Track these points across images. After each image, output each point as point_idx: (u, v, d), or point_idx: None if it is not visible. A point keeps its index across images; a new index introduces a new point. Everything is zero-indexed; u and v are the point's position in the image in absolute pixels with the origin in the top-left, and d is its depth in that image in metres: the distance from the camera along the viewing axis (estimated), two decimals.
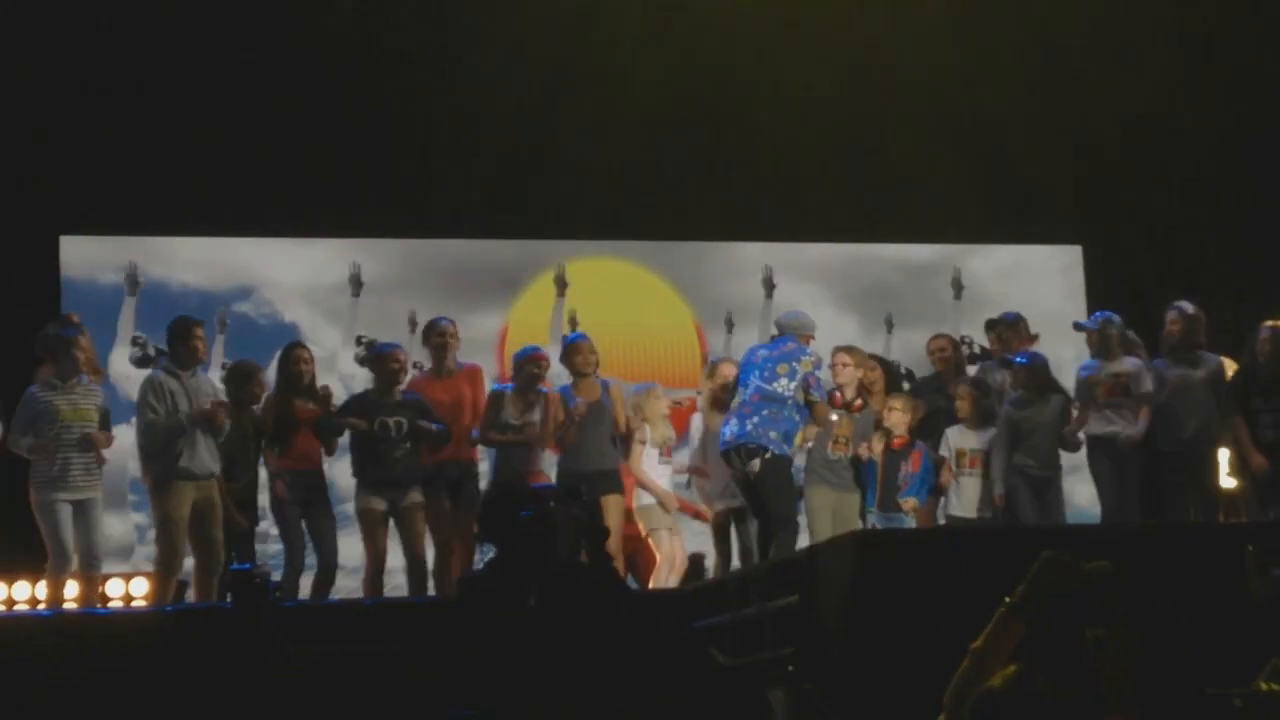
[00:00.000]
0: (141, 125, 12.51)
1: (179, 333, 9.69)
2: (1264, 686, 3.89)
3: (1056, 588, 4.06)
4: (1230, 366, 10.26)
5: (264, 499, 10.22)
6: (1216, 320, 10.52)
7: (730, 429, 9.39)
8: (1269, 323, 9.97)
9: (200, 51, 12.46)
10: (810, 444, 9.97)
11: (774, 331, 10.15)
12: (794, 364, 9.33)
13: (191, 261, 13.23)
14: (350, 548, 10.31)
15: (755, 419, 9.25)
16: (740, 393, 9.54)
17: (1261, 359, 9.84)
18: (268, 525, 10.38)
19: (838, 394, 10.09)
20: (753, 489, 9.41)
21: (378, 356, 10.28)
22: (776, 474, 9.27)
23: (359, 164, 12.88)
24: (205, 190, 12.63)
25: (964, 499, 10.22)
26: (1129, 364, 10.12)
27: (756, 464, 9.20)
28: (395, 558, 10.05)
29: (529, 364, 10.20)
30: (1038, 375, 10.20)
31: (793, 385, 9.29)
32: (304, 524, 9.93)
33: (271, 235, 13.40)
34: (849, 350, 10.59)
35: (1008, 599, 4.09)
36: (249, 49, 12.54)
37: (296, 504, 9.90)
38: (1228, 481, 10.11)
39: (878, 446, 10.14)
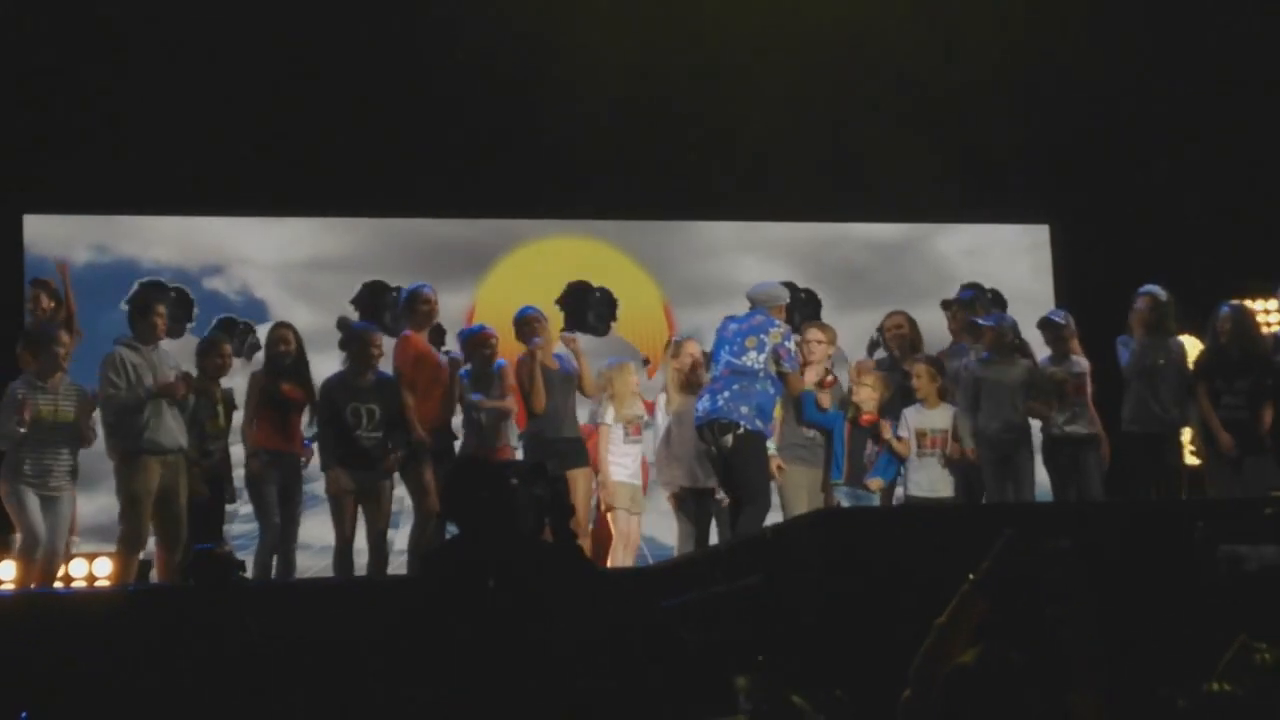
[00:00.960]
0: (108, 104, 12.41)
1: (139, 306, 9.68)
2: (1215, 687, 3.91)
3: (1019, 565, 4.07)
4: (1195, 348, 10.30)
5: (239, 476, 10.21)
6: (1184, 299, 10.54)
7: (703, 404, 9.36)
8: (1229, 303, 10.03)
9: (168, 29, 12.39)
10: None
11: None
12: (762, 336, 9.28)
13: (161, 239, 13.21)
14: (313, 529, 10.30)
15: (726, 394, 9.20)
16: (712, 368, 9.52)
17: (1223, 339, 9.91)
18: (240, 504, 10.35)
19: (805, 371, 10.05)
20: (725, 464, 9.38)
21: (356, 338, 10.17)
22: (749, 449, 9.20)
23: (328, 142, 12.80)
24: (173, 169, 12.55)
25: (924, 480, 10.19)
26: (1082, 364, 10.17)
27: (729, 439, 9.16)
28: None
29: (479, 345, 10.17)
30: (1004, 336, 10.21)
31: (762, 358, 9.24)
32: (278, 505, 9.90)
33: (240, 214, 13.35)
34: (820, 326, 10.58)
35: (971, 576, 4.10)
36: (218, 27, 12.46)
37: (273, 483, 9.86)
38: (1191, 460, 10.18)
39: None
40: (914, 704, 4.00)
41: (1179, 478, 10.11)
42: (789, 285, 11.62)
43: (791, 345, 9.46)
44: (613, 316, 13.44)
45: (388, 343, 10.34)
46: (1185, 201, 13.43)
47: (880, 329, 11.24)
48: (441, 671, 5.60)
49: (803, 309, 13.21)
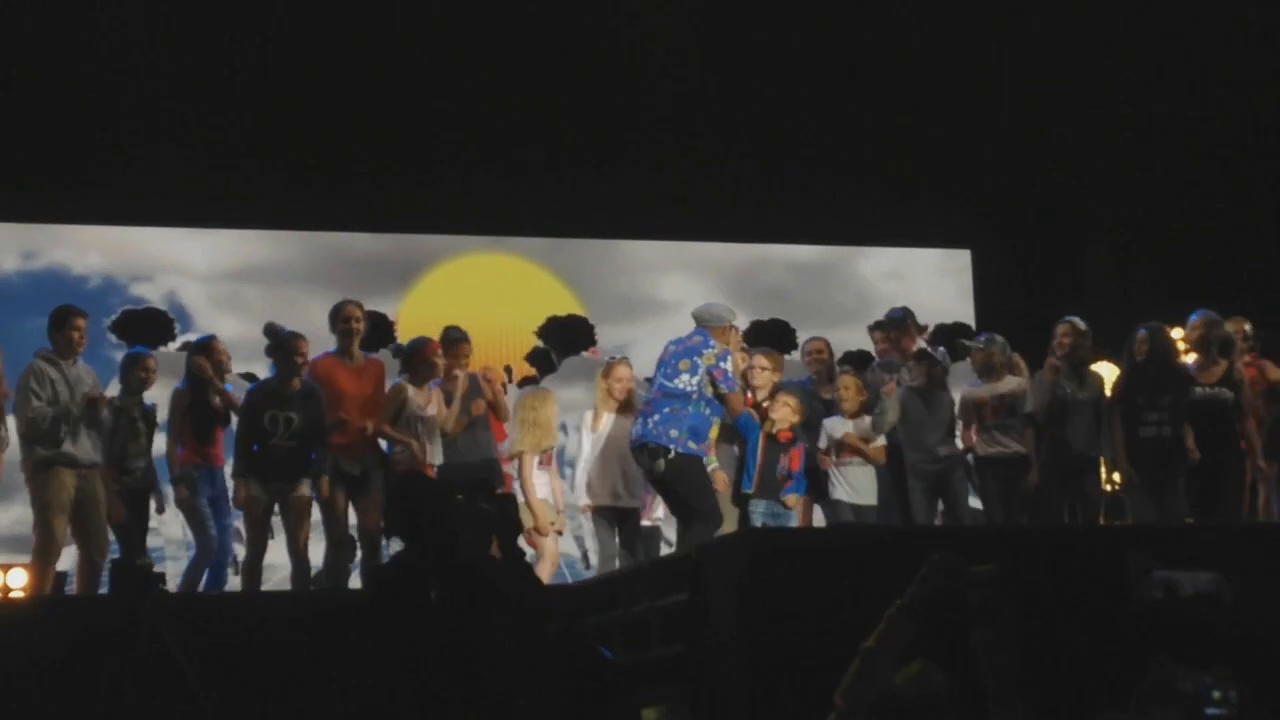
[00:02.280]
0: (44, 111, 12.35)
1: (57, 321, 9.56)
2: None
3: (945, 588, 4.09)
4: (1113, 377, 10.40)
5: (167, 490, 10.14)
6: (1102, 329, 10.64)
7: (635, 429, 9.25)
8: (1146, 323, 10.14)
9: (102, 39, 12.35)
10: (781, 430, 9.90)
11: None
12: (695, 359, 9.15)
13: (91, 248, 13.24)
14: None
15: (656, 417, 9.08)
16: (649, 388, 9.47)
17: (1140, 358, 10.00)
18: (167, 517, 10.26)
19: (748, 395, 10.04)
20: (664, 488, 9.36)
21: (281, 345, 10.05)
22: (683, 472, 9.06)
23: (255, 155, 12.77)
24: (102, 179, 12.54)
25: (847, 486, 10.29)
26: (1012, 384, 10.23)
27: (660, 464, 9.07)
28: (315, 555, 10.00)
29: (427, 354, 10.12)
30: (993, 357, 10.31)
31: (695, 380, 9.13)
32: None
33: (169, 225, 13.33)
34: (767, 354, 10.58)
35: (898, 600, 4.12)
36: (150, 38, 12.41)
37: (204, 497, 9.76)
38: (1106, 485, 10.29)
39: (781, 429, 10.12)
40: None
41: (1096, 504, 10.20)
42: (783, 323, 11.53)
43: (728, 365, 9.26)
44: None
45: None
46: (1107, 227, 13.61)
47: (802, 352, 11.27)
48: (389, 682, 5.59)
49: (777, 340, 13.15)
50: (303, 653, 7.63)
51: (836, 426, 10.41)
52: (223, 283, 13.40)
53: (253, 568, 9.63)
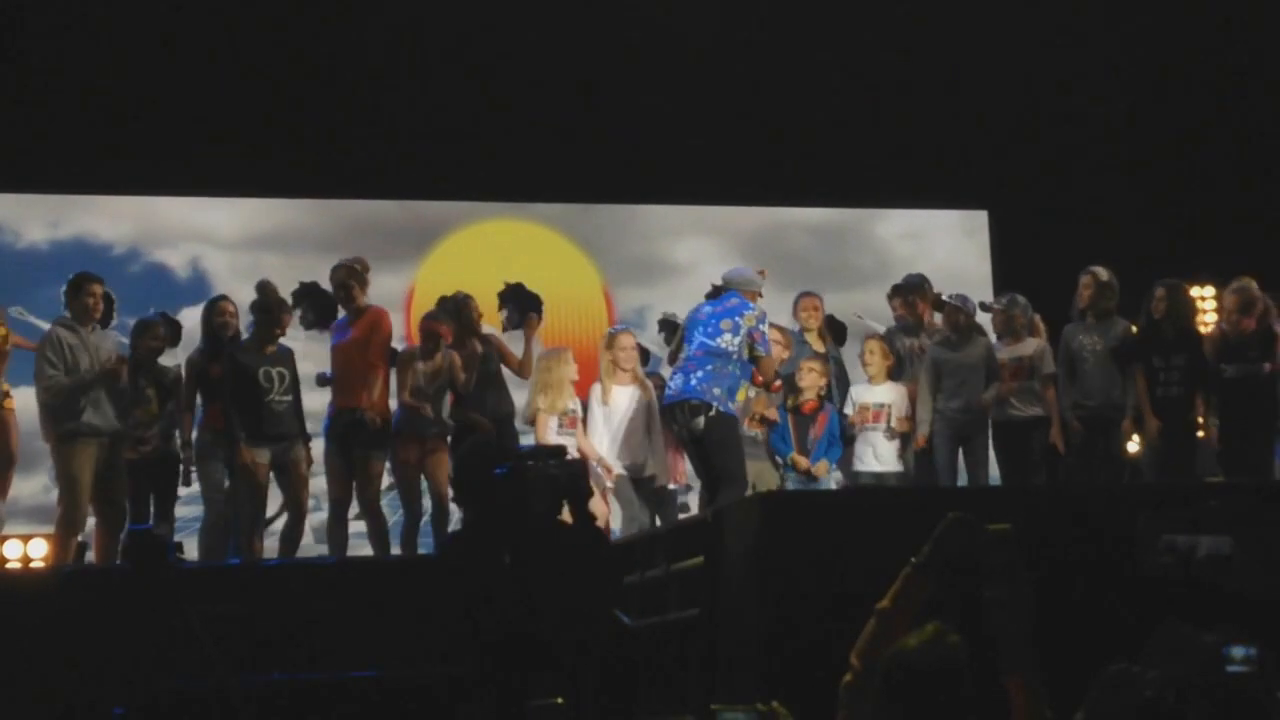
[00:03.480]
0: (64, 84, 12.38)
1: (73, 288, 9.55)
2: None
3: (959, 549, 4.07)
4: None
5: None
6: (1124, 289, 10.58)
7: (674, 384, 9.21)
8: (1164, 280, 10.07)
9: (117, 8, 12.30)
10: (753, 396, 9.83)
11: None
12: (737, 319, 9.16)
13: (117, 215, 13.32)
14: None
15: (700, 373, 9.06)
16: (684, 349, 9.41)
17: (1158, 316, 9.92)
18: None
19: (756, 373, 10.03)
20: (698, 447, 9.32)
21: (268, 310, 9.92)
22: (721, 431, 9.04)
23: (271, 123, 12.77)
24: (121, 149, 12.55)
25: (868, 455, 10.27)
26: (1031, 346, 10.17)
27: (700, 421, 9.03)
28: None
29: (429, 330, 10.06)
30: (964, 315, 10.27)
31: (736, 340, 9.12)
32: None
33: (187, 194, 13.32)
34: (778, 328, 10.57)
35: (913, 559, 4.10)
36: (165, 6, 12.39)
37: (221, 461, 9.70)
38: (1132, 445, 10.22)
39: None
40: (856, 686, 4.01)
41: (1120, 464, 10.15)
42: None
43: (765, 329, 9.30)
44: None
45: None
46: (1126, 187, 13.53)
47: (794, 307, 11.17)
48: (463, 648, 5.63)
49: None
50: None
51: (859, 392, 10.40)
52: (243, 251, 13.46)
53: (251, 535, 9.56)
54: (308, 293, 11.47)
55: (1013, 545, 4.02)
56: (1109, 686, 4.00)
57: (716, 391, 9.02)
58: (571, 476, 6.23)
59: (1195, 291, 11.69)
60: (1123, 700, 3.92)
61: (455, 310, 10.32)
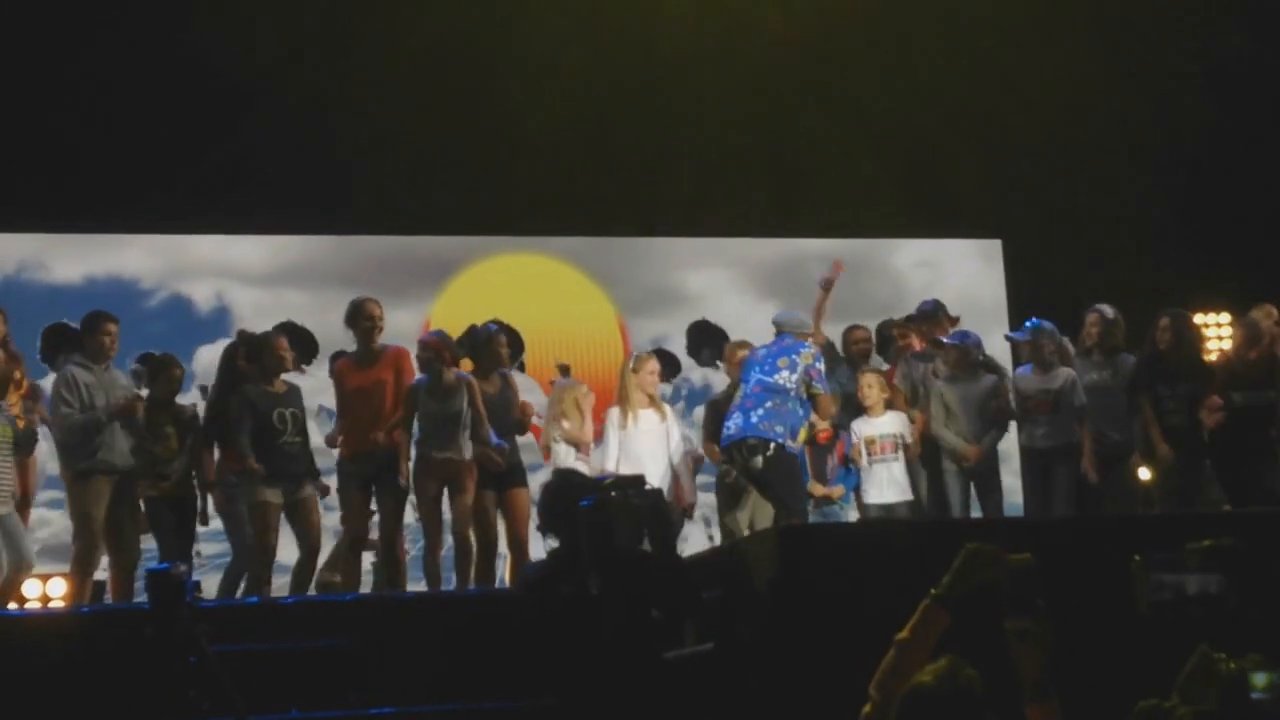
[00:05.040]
0: (81, 123, 12.47)
1: (89, 326, 9.57)
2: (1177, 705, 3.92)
3: (980, 579, 4.06)
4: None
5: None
6: (1135, 316, 10.57)
7: (734, 423, 9.19)
8: (1169, 310, 10.07)
9: (120, 39, 12.41)
10: (821, 430, 9.88)
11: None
12: (794, 357, 9.20)
13: (144, 254, 13.52)
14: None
15: (760, 411, 9.07)
16: (741, 389, 9.42)
17: (1163, 346, 9.92)
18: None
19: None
20: (759, 485, 9.31)
21: (262, 345, 9.90)
22: (782, 468, 9.06)
23: (286, 159, 12.81)
24: (139, 187, 12.62)
25: (875, 487, 10.24)
26: (1061, 378, 10.11)
27: (759, 460, 9.03)
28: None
29: (431, 347, 9.90)
30: (969, 355, 10.23)
31: (794, 377, 9.14)
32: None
33: (211, 232, 13.51)
34: None
35: (933, 590, 4.09)
36: (172, 37, 12.50)
37: (241, 502, 9.71)
38: (1143, 474, 10.20)
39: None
40: (875, 718, 4.00)
41: (1132, 496, 10.13)
42: None
43: (822, 366, 9.33)
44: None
45: None
46: (1136, 218, 13.53)
47: (845, 340, 11.17)
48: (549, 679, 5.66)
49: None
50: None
51: (861, 425, 10.35)
52: (263, 286, 13.60)
53: (264, 572, 9.53)
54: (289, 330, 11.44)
55: (1034, 575, 4.01)
56: None
57: (779, 429, 9.03)
58: (653, 506, 6.27)
59: (1202, 319, 11.71)
60: None
61: (485, 342, 10.25)
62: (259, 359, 9.79)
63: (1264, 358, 9.82)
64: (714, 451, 10.11)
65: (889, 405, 10.38)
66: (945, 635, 4.06)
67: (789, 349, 9.28)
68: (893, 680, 3.98)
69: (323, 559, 10.10)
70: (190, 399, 10.46)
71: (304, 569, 9.64)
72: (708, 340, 13.68)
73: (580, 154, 13.23)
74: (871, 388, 10.38)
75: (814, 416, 10.04)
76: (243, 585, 9.72)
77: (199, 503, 9.85)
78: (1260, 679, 3.93)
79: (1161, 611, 4.11)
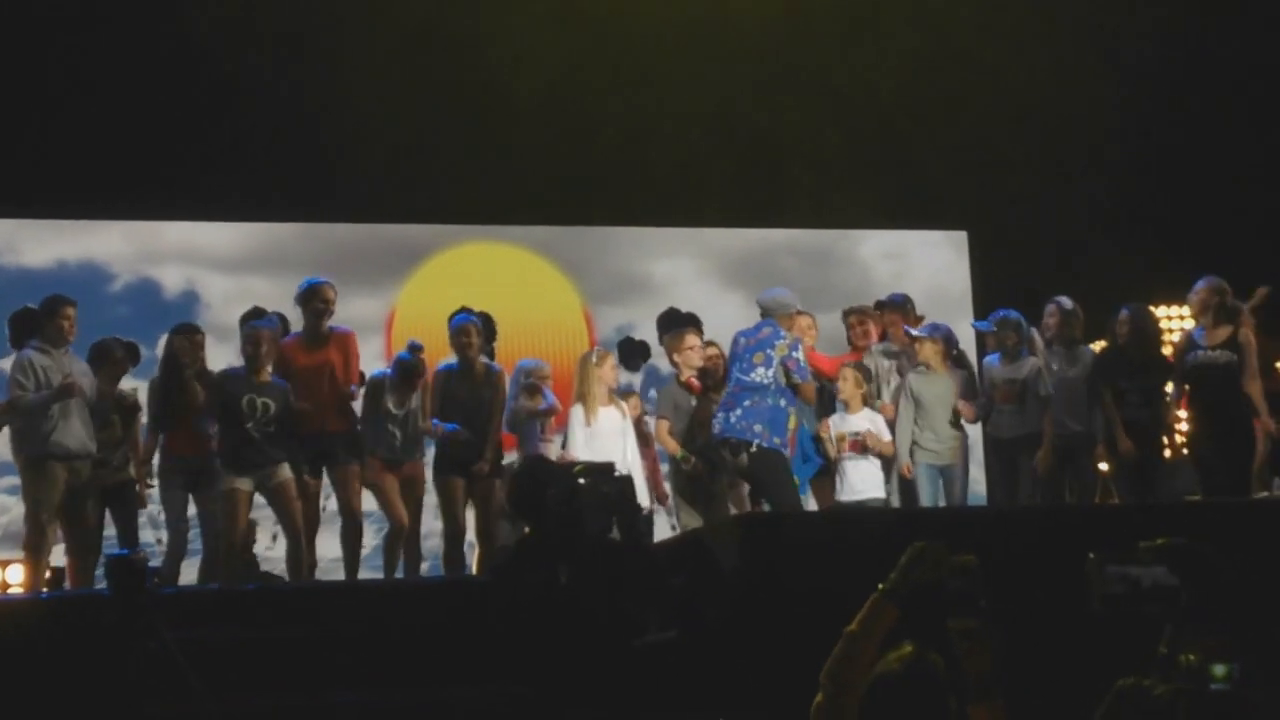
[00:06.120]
0: (58, 110, 12.42)
1: (48, 310, 9.52)
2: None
3: (924, 577, 4.09)
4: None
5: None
6: (1100, 308, 10.61)
7: (717, 422, 9.24)
8: (1129, 304, 10.12)
9: (101, 27, 12.39)
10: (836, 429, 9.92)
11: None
12: (768, 351, 9.17)
13: (111, 240, 13.46)
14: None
15: (738, 411, 9.07)
16: (727, 384, 9.44)
17: (1122, 340, 9.98)
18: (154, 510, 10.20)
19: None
20: (747, 481, 9.33)
21: (245, 337, 9.86)
22: (768, 466, 9.05)
23: (252, 146, 12.78)
24: (116, 175, 12.60)
25: (848, 483, 10.21)
26: (1028, 367, 10.14)
27: (744, 458, 9.03)
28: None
29: (408, 372, 9.86)
30: (945, 348, 10.24)
31: (770, 372, 9.11)
32: (190, 509, 9.77)
33: (178, 219, 13.45)
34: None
35: (880, 585, 4.12)
36: (145, 27, 12.47)
37: (181, 488, 9.70)
38: (1103, 465, 10.25)
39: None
40: (826, 709, 4.02)
41: (1092, 488, 10.18)
42: None
43: (800, 355, 9.25)
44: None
45: None
46: (1103, 210, 13.59)
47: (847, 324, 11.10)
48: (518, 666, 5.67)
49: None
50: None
51: (837, 421, 10.32)
52: (232, 274, 13.54)
53: (229, 561, 9.49)
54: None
55: (978, 576, 4.04)
56: (1119, 701, 4.01)
57: (757, 428, 9.02)
58: (621, 493, 6.27)
59: (1165, 311, 11.79)
60: (1134, 715, 3.93)
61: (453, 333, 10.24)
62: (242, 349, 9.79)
63: (1216, 320, 9.88)
64: (668, 441, 10.10)
65: (865, 402, 10.34)
66: (893, 630, 4.09)
67: (764, 342, 9.25)
68: (841, 670, 4.01)
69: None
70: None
71: (292, 556, 9.56)
72: (678, 328, 13.66)
73: (547, 144, 13.20)
74: (847, 381, 10.32)
75: (827, 431, 10.00)
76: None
77: (137, 487, 9.89)
78: (1219, 670, 3.96)
79: (1116, 606, 4.14)
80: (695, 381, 10.10)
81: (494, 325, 11.62)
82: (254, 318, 10.52)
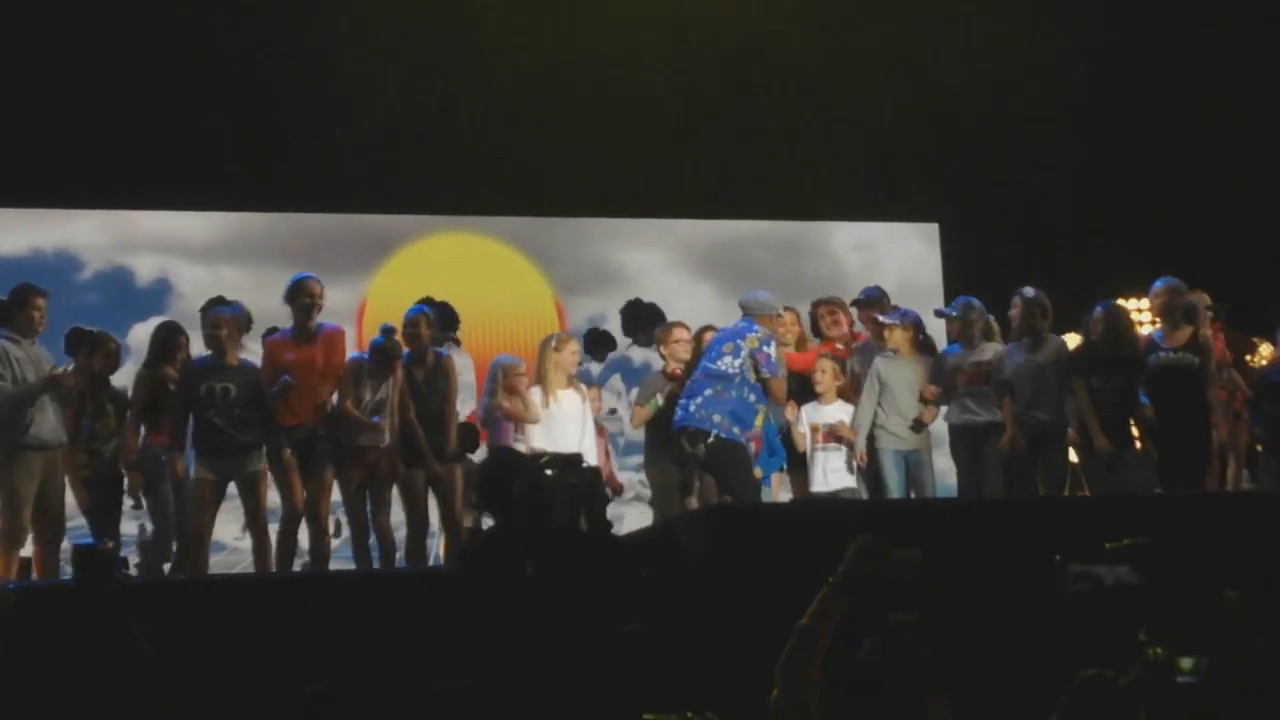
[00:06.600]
0: (32, 98, 12.35)
1: (18, 300, 9.46)
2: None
3: (869, 570, 4.11)
4: (1073, 344, 10.38)
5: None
6: (1071, 300, 10.63)
7: (678, 411, 9.19)
8: (1103, 302, 10.14)
9: (90, 24, 12.34)
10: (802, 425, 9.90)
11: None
12: (739, 342, 9.14)
13: (83, 229, 13.39)
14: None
15: (699, 399, 9.03)
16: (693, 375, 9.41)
17: (1096, 337, 9.99)
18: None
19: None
20: (708, 473, 9.30)
21: (207, 323, 9.78)
22: (724, 457, 9.00)
23: (225, 136, 12.75)
24: (86, 163, 12.56)
25: (821, 474, 10.21)
26: (989, 352, 10.16)
27: (701, 449, 8.99)
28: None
29: (384, 355, 9.70)
30: (914, 334, 10.25)
31: (737, 363, 9.07)
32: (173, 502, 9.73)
33: (150, 208, 13.42)
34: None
35: (829, 579, 4.14)
36: (113, 19, 12.39)
37: (167, 480, 9.65)
38: (1071, 456, 10.26)
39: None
40: (782, 703, 4.04)
41: (1061, 478, 10.19)
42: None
43: (771, 350, 9.20)
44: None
45: None
46: (1074, 202, 13.63)
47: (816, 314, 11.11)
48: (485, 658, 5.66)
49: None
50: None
51: (810, 412, 10.31)
52: (203, 264, 13.51)
53: (196, 552, 9.39)
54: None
55: (921, 569, 4.07)
56: (1082, 691, 4.03)
57: (716, 418, 8.98)
58: (589, 485, 6.26)
59: (1136, 305, 11.83)
60: (1096, 706, 3.95)
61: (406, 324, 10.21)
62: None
63: (1171, 321, 9.94)
64: (641, 414, 10.10)
65: (841, 394, 10.33)
66: (844, 623, 4.10)
67: (736, 333, 9.24)
68: (794, 665, 4.03)
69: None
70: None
71: (256, 548, 9.48)
72: (641, 322, 13.68)
73: (519, 134, 13.19)
74: (824, 374, 10.31)
75: (794, 412, 9.99)
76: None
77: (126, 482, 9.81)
78: (1186, 663, 3.99)
79: (1081, 603, 4.17)
80: (680, 372, 10.11)
81: (455, 314, 11.61)
82: (217, 305, 10.48)
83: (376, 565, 9.57)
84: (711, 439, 8.96)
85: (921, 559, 4.07)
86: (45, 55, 12.36)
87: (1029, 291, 10.19)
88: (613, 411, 11.54)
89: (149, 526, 10.12)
